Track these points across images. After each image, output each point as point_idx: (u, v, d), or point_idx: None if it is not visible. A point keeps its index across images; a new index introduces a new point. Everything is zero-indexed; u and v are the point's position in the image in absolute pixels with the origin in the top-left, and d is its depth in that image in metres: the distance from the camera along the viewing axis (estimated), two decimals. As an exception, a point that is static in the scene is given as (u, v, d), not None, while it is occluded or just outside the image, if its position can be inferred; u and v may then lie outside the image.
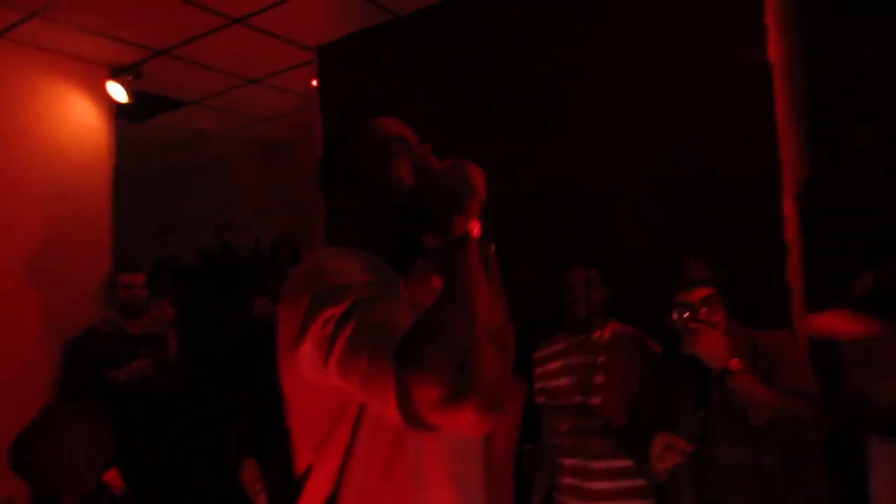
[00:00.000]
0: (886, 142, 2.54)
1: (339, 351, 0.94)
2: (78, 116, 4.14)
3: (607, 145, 2.73)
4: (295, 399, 1.09)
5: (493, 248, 1.17)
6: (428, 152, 1.21)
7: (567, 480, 2.38)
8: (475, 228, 1.03)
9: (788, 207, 2.39)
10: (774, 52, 2.44)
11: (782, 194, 2.39)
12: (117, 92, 4.22)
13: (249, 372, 3.43)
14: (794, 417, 1.76)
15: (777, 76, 2.44)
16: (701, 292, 2.00)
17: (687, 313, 1.96)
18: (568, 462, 2.38)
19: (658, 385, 2.12)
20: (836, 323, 1.82)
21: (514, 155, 2.98)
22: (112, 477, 3.09)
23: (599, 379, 2.37)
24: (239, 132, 5.72)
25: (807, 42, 2.62)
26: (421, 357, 0.86)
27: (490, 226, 1.12)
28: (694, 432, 1.89)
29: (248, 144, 6.13)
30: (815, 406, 1.79)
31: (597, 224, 2.72)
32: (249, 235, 6.35)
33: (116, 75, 4.23)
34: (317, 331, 0.97)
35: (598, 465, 2.31)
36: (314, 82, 4.14)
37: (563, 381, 2.45)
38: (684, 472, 1.92)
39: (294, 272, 1.09)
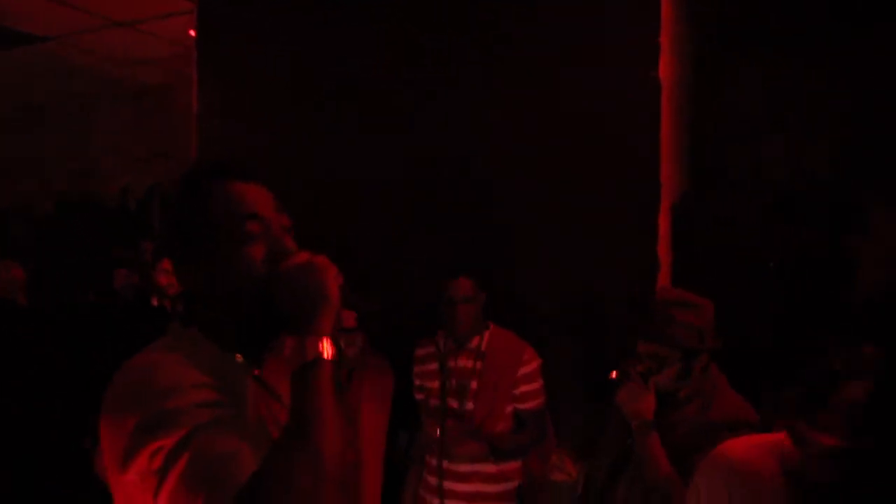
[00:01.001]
0: (760, 163, 2.71)
1: (169, 488, 0.83)
2: None
3: (494, 145, 2.74)
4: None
5: (346, 372, 1.06)
6: (286, 236, 1.06)
7: (432, 480, 2.43)
8: (327, 349, 0.92)
9: (664, 225, 2.50)
10: (665, 69, 2.51)
11: (659, 210, 2.49)
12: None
13: (111, 345, 3.21)
14: (669, 497, 1.70)
15: (665, 94, 2.50)
16: (652, 348, 1.77)
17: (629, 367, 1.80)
18: (435, 462, 2.42)
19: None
20: None
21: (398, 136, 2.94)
22: None
23: (475, 385, 2.40)
24: (106, 74, 5.20)
25: (695, 62, 2.72)
26: None
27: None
28: (610, 455, 1.88)
29: (117, 87, 5.61)
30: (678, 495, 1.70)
31: (483, 227, 2.73)
32: (115, 185, 5.89)
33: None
34: (143, 462, 0.85)
35: (463, 468, 2.36)
36: (192, 32, 3.84)
37: (439, 384, 2.46)
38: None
39: (119, 379, 0.93)
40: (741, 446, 1.30)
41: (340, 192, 3.12)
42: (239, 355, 1.02)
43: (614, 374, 1.80)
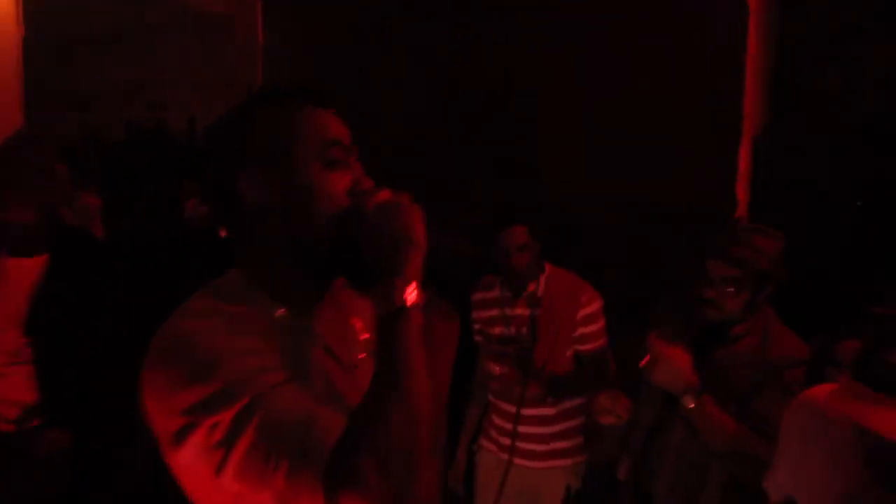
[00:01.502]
0: (851, 90, 2.50)
1: (237, 461, 0.77)
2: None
3: (569, 99, 2.62)
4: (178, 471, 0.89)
5: (443, 306, 0.97)
6: (363, 174, 0.97)
7: (497, 421, 2.45)
8: (414, 294, 0.86)
9: (744, 159, 2.35)
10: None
11: (740, 149, 2.34)
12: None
13: (180, 275, 3.32)
14: (753, 458, 1.63)
15: (752, 16, 2.31)
16: (728, 271, 1.73)
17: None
18: (499, 404, 2.44)
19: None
20: None
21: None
22: None
23: (532, 333, 2.38)
24: (170, 2, 5.19)
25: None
26: (361, 478, 0.74)
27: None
28: (657, 402, 1.84)
29: (182, 15, 5.60)
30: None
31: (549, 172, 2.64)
32: (184, 116, 5.97)
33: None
34: (200, 439, 0.79)
35: (527, 411, 2.37)
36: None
37: (499, 330, 2.44)
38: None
39: (161, 347, 0.85)
40: (827, 392, 1.26)
41: (404, 124, 3.06)
42: (283, 309, 0.92)
43: (645, 360, 1.74)
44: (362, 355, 1.02)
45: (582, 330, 2.36)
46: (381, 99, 3.16)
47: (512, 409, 2.40)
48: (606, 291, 2.36)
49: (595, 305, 2.38)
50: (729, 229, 1.82)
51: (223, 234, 3.28)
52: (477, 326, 2.53)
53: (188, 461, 0.82)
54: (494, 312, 2.46)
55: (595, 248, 2.49)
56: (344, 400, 0.92)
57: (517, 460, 2.39)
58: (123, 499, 2.53)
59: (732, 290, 1.73)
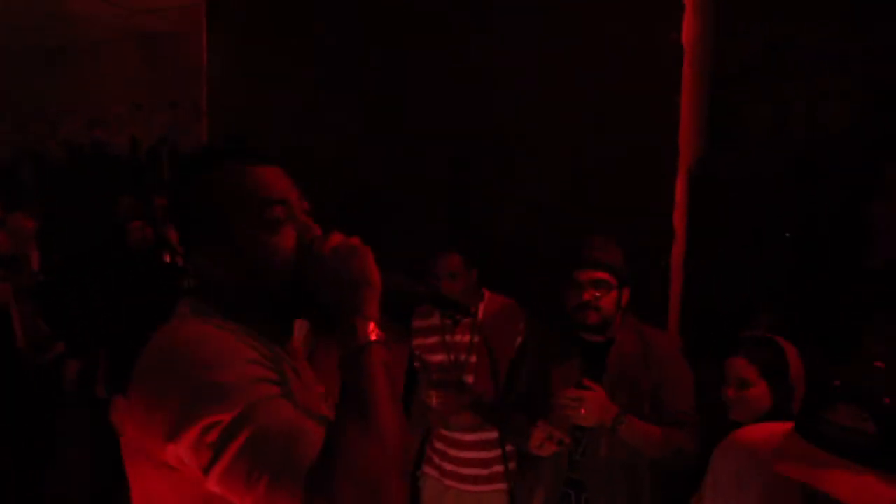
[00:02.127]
0: (781, 122, 2.66)
1: (226, 464, 0.82)
2: None
3: (506, 106, 2.69)
4: (143, 479, 0.94)
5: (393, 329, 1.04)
6: (310, 221, 1.02)
7: (439, 446, 2.46)
8: (374, 331, 0.92)
9: (680, 193, 2.45)
10: (687, 31, 2.42)
11: (676, 177, 2.44)
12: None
13: (124, 300, 3.24)
14: (679, 451, 1.88)
15: (687, 55, 2.42)
16: (597, 274, 1.98)
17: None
18: (440, 430, 2.45)
19: (536, 360, 2.16)
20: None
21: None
22: None
23: (473, 359, 2.40)
24: (115, 20, 5.09)
25: (715, 22, 2.63)
26: (335, 493, 0.79)
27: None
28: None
29: (125, 33, 5.50)
30: (693, 431, 1.91)
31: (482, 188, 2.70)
32: (124, 134, 5.84)
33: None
34: (194, 436, 0.83)
35: (467, 436, 2.39)
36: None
37: (439, 357, 2.45)
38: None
39: (159, 349, 0.91)
40: (758, 434, 1.32)
41: (350, 147, 3.08)
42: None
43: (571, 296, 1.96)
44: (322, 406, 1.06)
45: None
46: (322, 122, 3.18)
47: (452, 434, 2.41)
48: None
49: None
50: (584, 242, 2.04)
51: (167, 258, 3.18)
52: (417, 352, 2.54)
53: (178, 454, 0.86)
54: (435, 339, 2.48)
55: (528, 279, 2.55)
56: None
57: (459, 485, 2.40)
58: None
59: (603, 290, 1.97)
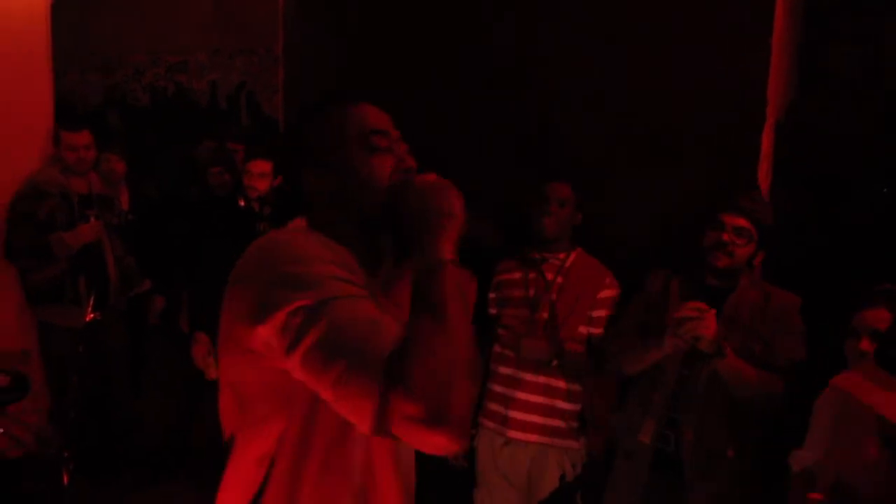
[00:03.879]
0: (873, 68, 2.46)
1: (307, 347, 0.91)
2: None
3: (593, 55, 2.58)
4: (232, 367, 1.06)
5: (470, 274, 1.10)
6: (407, 154, 1.14)
7: (496, 388, 2.47)
8: (450, 252, 1.00)
9: (766, 143, 2.33)
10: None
11: (763, 127, 2.32)
12: None
13: (203, 243, 3.37)
14: (770, 396, 1.92)
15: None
16: (741, 221, 2.01)
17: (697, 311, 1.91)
18: (498, 369, 2.47)
19: (655, 296, 2.19)
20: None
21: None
22: None
23: (552, 296, 2.41)
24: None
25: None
26: (411, 380, 0.87)
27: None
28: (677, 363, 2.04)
29: (205, -21, 5.57)
30: (788, 380, 1.93)
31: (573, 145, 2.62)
32: (204, 80, 5.97)
33: None
34: (281, 318, 0.94)
35: (525, 376, 2.40)
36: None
37: (517, 292, 2.48)
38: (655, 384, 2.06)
39: (252, 251, 1.03)
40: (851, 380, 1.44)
41: (429, 99, 3.04)
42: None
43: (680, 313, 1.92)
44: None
45: (600, 311, 2.39)
46: (404, 72, 3.15)
47: (510, 370, 2.42)
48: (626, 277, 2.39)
49: (614, 292, 2.41)
50: (740, 189, 2.09)
51: (241, 203, 3.31)
52: (493, 296, 2.57)
53: (265, 336, 0.96)
54: (516, 276, 2.49)
55: (616, 232, 2.50)
56: None
57: (512, 433, 2.40)
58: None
59: (743, 239, 1.99)
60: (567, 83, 2.67)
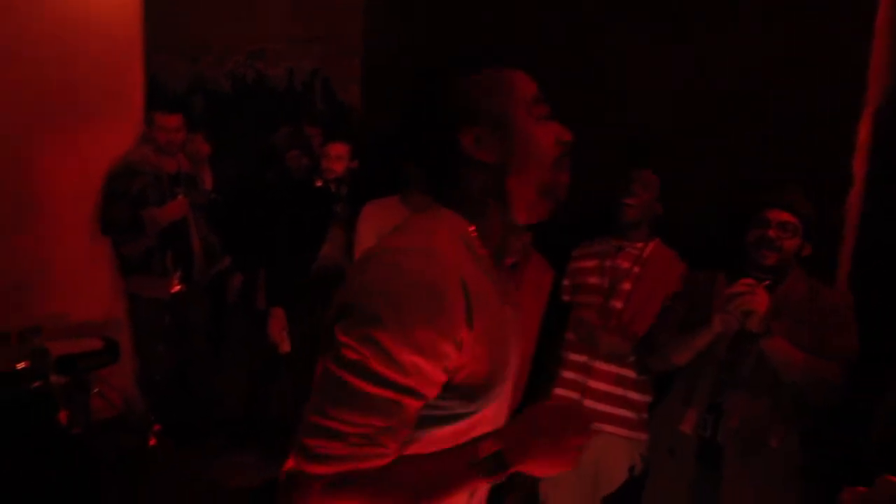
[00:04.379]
0: None
1: (328, 371, 0.95)
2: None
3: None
4: None
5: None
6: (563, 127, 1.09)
7: (567, 375, 2.46)
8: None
9: (864, 133, 2.22)
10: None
11: (861, 115, 2.21)
12: None
13: (280, 223, 3.48)
14: (820, 381, 1.87)
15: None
16: (786, 216, 2.00)
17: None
18: (570, 357, 2.45)
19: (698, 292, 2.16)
20: None
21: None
22: None
23: (628, 286, 2.38)
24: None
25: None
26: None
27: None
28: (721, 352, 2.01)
29: (285, -33, 5.71)
30: (844, 368, 1.88)
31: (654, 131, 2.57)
32: (281, 67, 6.13)
33: None
34: (337, 339, 0.95)
35: (598, 365, 2.38)
36: None
37: (592, 280, 2.47)
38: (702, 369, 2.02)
39: (373, 272, 0.96)
40: None
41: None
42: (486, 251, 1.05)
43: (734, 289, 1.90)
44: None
45: None
46: (482, 59, 3.14)
47: (583, 358, 2.40)
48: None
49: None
50: (779, 184, 2.08)
51: (319, 183, 3.37)
52: (567, 283, 2.55)
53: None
54: (592, 263, 2.47)
55: (697, 225, 2.44)
56: (507, 343, 1.04)
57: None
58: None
59: (788, 234, 1.99)
60: (653, 70, 2.61)
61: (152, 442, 3.24)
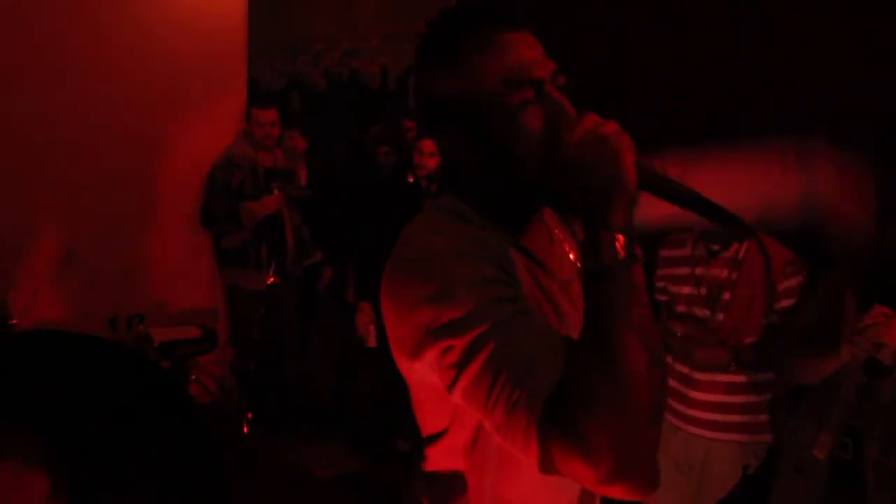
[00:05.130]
0: None
1: (465, 386, 0.80)
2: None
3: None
4: (404, 371, 0.95)
5: (639, 253, 0.84)
6: (564, 98, 0.88)
7: (671, 383, 2.34)
8: (622, 247, 0.77)
9: None
10: None
11: None
12: None
13: (370, 216, 3.52)
14: None
15: None
16: None
17: None
18: (674, 366, 2.33)
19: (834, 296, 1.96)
20: None
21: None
22: None
23: (727, 296, 2.23)
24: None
25: None
26: (575, 434, 0.72)
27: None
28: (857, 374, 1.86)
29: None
30: None
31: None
32: (376, 64, 6.23)
33: None
34: (435, 356, 0.82)
35: (700, 376, 2.25)
36: None
37: (686, 290, 2.32)
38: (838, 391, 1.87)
39: (401, 266, 0.88)
40: None
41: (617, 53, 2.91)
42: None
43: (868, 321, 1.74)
44: (571, 277, 1.01)
45: (780, 304, 2.18)
46: (586, 63, 3.04)
47: (684, 368, 2.27)
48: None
49: (798, 279, 2.17)
50: None
51: (410, 179, 3.37)
52: (661, 284, 2.43)
53: (421, 373, 0.87)
54: (683, 271, 2.34)
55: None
56: (564, 317, 0.93)
57: (688, 427, 2.26)
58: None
59: None
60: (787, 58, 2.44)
61: (245, 429, 3.36)
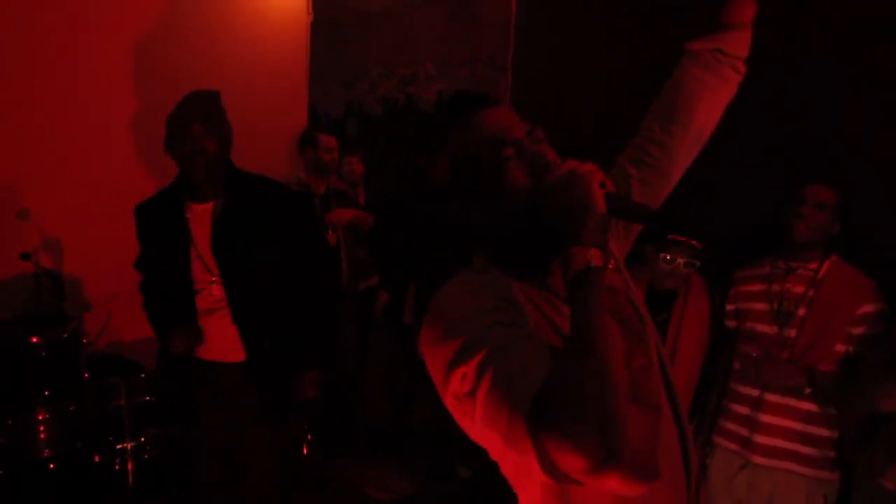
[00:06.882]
0: None
1: (481, 408, 0.90)
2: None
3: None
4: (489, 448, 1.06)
5: (613, 264, 1.02)
6: (542, 144, 1.04)
7: (741, 409, 2.27)
8: (596, 257, 0.91)
9: None
10: None
11: None
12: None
13: (428, 240, 3.55)
14: None
15: None
16: None
17: None
18: (739, 389, 2.26)
19: None
20: None
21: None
22: None
23: (802, 311, 2.16)
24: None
25: None
26: (555, 425, 0.80)
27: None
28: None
29: (437, -7, 5.89)
30: None
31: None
32: (432, 90, 6.33)
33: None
34: (455, 387, 0.93)
35: (771, 397, 2.17)
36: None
37: (760, 306, 2.27)
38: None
39: (429, 313, 1.03)
40: None
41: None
42: (518, 283, 1.04)
43: None
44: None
45: (857, 329, 2.10)
46: (634, 81, 3.02)
47: (754, 391, 2.20)
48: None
49: (878, 306, 2.10)
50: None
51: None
52: (731, 307, 2.37)
53: (451, 406, 0.97)
54: (758, 287, 2.28)
55: (885, 244, 2.18)
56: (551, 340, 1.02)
57: (756, 458, 2.19)
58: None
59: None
60: (830, 76, 2.37)
61: (304, 450, 3.40)
